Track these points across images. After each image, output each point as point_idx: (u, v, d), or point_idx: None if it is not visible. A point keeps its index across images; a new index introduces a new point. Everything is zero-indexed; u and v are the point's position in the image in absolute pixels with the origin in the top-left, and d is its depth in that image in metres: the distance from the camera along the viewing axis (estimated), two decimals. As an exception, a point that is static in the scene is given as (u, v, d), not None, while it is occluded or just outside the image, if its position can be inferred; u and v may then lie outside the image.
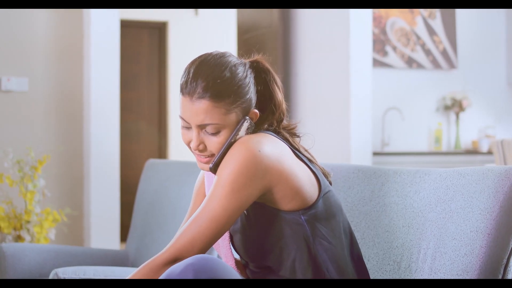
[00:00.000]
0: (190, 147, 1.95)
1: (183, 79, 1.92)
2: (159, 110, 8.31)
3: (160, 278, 1.76)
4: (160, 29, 8.33)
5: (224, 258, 2.08)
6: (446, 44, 6.79)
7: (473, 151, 6.58)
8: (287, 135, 2.00)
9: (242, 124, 1.91)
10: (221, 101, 1.86)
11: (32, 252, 3.42)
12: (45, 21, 4.93)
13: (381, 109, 6.45)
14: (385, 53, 6.54)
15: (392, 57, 6.58)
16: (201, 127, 1.89)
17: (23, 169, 4.46)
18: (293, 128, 2.03)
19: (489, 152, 6.47)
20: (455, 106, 6.69)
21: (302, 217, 1.91)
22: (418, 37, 6.70)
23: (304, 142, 2.07)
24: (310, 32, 5.49)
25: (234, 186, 1.82)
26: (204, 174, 2.13)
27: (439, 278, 2.02)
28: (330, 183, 2.04)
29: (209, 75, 1.88)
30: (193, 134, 1.91)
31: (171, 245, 1.84)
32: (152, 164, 3.83)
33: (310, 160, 2.00)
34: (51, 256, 3.44)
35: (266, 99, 1.99)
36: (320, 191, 1.95)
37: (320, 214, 1.93)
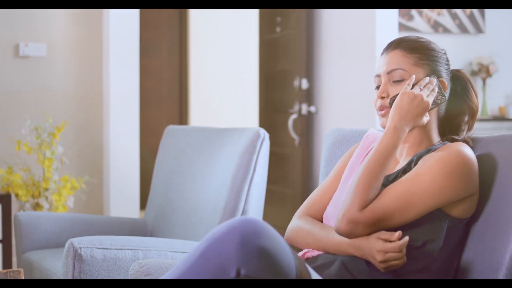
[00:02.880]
0: (376, 106, 2.10)
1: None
2: (179, 76, 8.22)
3: (204, 240, 1.66)
4: (181, -6, 8.21)
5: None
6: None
7: (500, 118, 6.43)
8: None
9: (427, 78, 2.03)
10: (412, 53, 2.06)
11: (48, 220, 3.35)
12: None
13: (406, 75, 6.30)
14: (410, 17, 6.39)
15: (417, 21, 6.42)
16: (389, 74, 2.06)
17: (41, 136, 4.40)
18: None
19: (517, 119, 6.33)
20: (482, 72, 6.54)
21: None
22: (445, 1, 6.54)
23: None
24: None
25: None
26: (357, 149, 2.24)
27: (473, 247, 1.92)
28: None
29: (406, 37, 2.11)
30: (381, 84, 2.08)
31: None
32: (171, 130, 3.74)
33: None
34: (68, 225, 3.38)
35: (465, 102, 2.14)
36: None
37: None
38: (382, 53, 2.10)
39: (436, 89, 2.03)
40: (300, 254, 2.10)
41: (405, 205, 1.89)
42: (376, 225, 1.88)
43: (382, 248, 1.85)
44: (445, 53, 2.13)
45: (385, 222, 1.89)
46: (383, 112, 2.07)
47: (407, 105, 1.97)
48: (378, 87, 2.10)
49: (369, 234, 1.90)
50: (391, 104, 2.03)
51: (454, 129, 2.13)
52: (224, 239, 1.61)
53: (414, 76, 2.02)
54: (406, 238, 1.84)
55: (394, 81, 2.05)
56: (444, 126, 2.13)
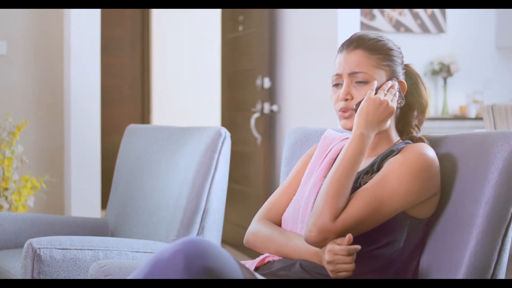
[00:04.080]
0: (336, 108, 2.09)
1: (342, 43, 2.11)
2: (142, 75, 8.18)
3: (147, 264, 1.63)
4: (143, -8, 8.16)
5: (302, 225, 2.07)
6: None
7: (461, 117, 6.49)
8: None
9: (390, 82, 2.03)
10: (373, 54, 2.04)
11: (7, 221, 3.31)
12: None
13: (368, 74, 6.32)
14: (372, 17, 6.42)
15: (379, 21, 6.45)
16: (352, 76, 2.05)
17: (0, 135, 4.34)
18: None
19: (477, 118, 6.39)
20: (443, 71, 6.59)
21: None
22: (406, 1, 6.58)
23: None
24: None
25: None
26: (316, 151, 2.23)
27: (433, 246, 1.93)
28: None
29: (365, 35, 2.08)
30: (344, 85, 2.05)
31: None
32: (133, 129, 3.71)
33: None
34: (27, 225, 3.33)
35: (414, 98, 2.14)
36: None
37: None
38: (342, 51, 2.08)
39: (397, 93, 2.03)
40: (260, 258, 2.09)
41: (374, 211, 1.88)
42: (347, 234, 1.87)
43: (331, 249, 1.84)
44: (400, 52, 2.12)
45: (355, 230, 1.88)
46: (346, 114, 2.05)
47: (373, 111, 1.97)
48: (336, 85, 2.09)
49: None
50: (356, 110, 2.02)
51: (406, 125, 2.14)
52: (169, 262, 1.59)
53: (376, 83, 2.01)
54: (357, 246, 1.83)
55: (357, 82, 2.03)
56: (397, 122, 2.14)
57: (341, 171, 1.91)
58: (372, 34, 2.09)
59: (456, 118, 6.43)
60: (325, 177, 2.11)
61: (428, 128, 6.04)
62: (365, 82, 2.03)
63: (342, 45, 2.09)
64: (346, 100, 2.05)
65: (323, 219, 1.86)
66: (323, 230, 1.86)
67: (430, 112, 6.70)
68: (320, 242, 1.88)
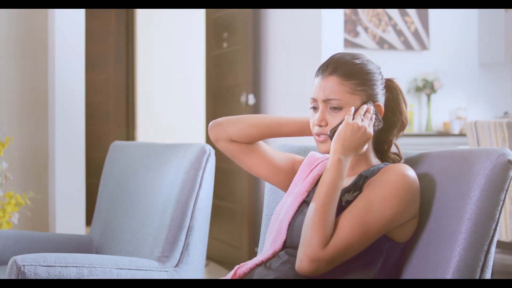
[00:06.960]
0: (312, 131, 2.10)
1: (320, 65, 2.10)
2: (126, 91, 8.18)
3: None
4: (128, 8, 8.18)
5: (272, 244, 2.08)
6: (418, 25, 6.72)
7: (444, 133, 6.52)
8: None
9: (365, 106, 2.03)
10: (348, 80, 2.03)
11: (-9, 238, 3.30)
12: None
13: (352, 91, 6.35)
14: (356, 34, 6.46)
15: (363, 38, 6.49)
16: (326, 102, 2.05)
17: (-16, 151, 4.34)
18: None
19: (461, 134, 6.42)
20: (426, 88, 6.63)
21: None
22: (390, 18, 6.62)
23: None
24: (281, 10, 5.40)
25: None
26: (302, 165, 2.26)
27: (416, 264, 1.94)
28: None
29: (341, 59, 2.07)
30: (319, 110, 2.07)
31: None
32: (117, 146, 3.72)
33: None
34: (11, 242, 3.32)
35: (395, 116, 2.16)
36: None
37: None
38: (318, 75, 2.08)
39: (374, 116, 2.04)
40: (230, 273, 2.09)
41: (362, 235, 1.87)
42: (338, 260, 1.87)
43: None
44: (380, 71, 2.11)
45: (345, 255, 1.87)
46: (321, 138, 2.06)
47: (351, 137, 1.97)
48: (314, 108, 2.10)
49: (331, 268, 1.89)
50: (331, 136, 2.02)
51: (384, 143, 2.16)
52: None
53: (353, 108, 2.01)
54: None
55: (332, 108, 2.04)
56: (374, 141, 2.15)
57: (324, 197, 1.91)
58: (349, 56, 2.08)
59: (440, 134, 6.46)
60: (307, 191, 2.12)
61: (412, 145, 6.07)
62: (339, 109, 2.03)
63: (319, 69, 2.09)
64: (320, 126, 2.06)
65: (313, 248, 1.85)
66: (314, 259, 1.84)
67: (414, 128, 6.74)
68: (312, 272, 1.86)
